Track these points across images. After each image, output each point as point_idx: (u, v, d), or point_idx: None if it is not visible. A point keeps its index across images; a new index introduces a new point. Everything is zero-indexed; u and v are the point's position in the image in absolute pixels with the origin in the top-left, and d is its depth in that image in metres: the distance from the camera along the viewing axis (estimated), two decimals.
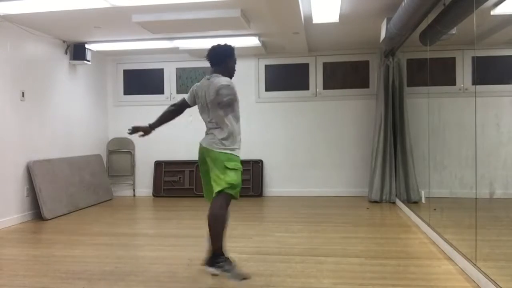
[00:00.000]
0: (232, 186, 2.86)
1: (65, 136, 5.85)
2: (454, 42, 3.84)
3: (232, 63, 3.07)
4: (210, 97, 2.91)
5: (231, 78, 3.02)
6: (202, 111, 3.05)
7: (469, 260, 2.95)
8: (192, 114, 3.38)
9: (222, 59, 3.02)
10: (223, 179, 2.84)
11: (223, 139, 2.91)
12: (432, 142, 4.11)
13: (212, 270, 2.87)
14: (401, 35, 4.52)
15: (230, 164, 2.87)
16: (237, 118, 2.99)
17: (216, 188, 2.86)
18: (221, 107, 2.91)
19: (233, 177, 2.87)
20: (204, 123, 3.06)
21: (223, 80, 2.92)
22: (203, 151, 3.00)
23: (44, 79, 5.46)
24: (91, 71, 6.51)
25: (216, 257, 2.85)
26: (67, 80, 5.96)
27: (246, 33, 5.29)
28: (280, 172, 6.69)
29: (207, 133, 3.02)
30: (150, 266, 3.26)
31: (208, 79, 2.99)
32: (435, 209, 4.10)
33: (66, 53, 5.90)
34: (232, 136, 2.93)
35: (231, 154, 2.91)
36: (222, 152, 2.89)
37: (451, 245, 3.36)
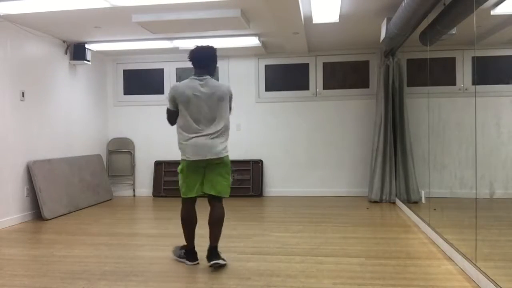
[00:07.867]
0: None
1: (65, 136, 5.85)
2: (454, 42, 3.84)
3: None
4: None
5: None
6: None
7: (469, 260, 2.96)
8: None
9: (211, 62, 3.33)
10: None
11: None
12: (432, 142, 4.11)
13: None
14: (401, 35, 4.52)
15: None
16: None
17: None
18: None
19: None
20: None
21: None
22: None
23: (44, 79, 5.46)
24: (91, 71, 6.51)
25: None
26: (67, 80, 5.96)
27: (246, 33, 5.29)
28: (280, 172, 6.69)
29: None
30: (150, 266, 3.26)
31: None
32: (435, 209, 4.10)
33: (66, 53, 5.90)
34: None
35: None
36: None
37: (451, 245, 3.36)
